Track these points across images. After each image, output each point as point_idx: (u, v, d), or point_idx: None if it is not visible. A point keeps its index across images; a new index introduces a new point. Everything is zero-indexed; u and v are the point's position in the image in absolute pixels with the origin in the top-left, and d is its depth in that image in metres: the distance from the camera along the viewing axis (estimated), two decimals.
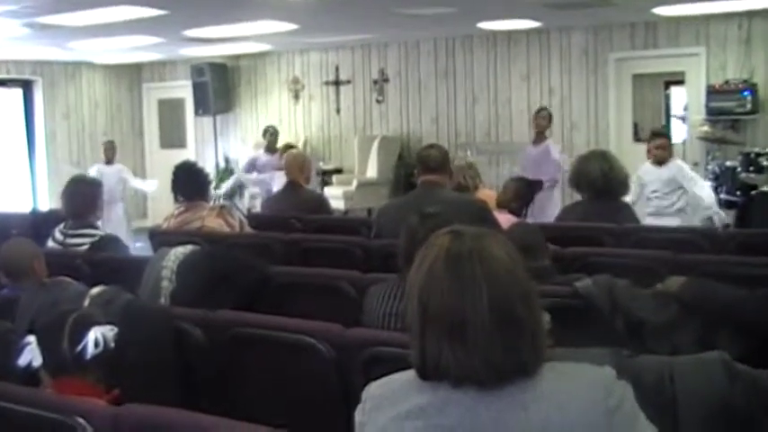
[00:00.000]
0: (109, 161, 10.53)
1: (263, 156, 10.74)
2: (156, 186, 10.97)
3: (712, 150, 9.16)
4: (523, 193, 5.90)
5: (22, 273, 3.90)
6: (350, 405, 1.83)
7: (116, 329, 2.57)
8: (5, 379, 2.51)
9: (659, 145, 6.82)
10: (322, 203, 6.68)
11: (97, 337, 2.49)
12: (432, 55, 11.60)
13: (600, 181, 5.26)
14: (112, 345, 2.53)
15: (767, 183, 7.88)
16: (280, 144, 10.78)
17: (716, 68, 9.65)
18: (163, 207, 9.97)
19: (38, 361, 2.48)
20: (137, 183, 11.01)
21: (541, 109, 9.12)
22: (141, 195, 14.05)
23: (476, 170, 6.14)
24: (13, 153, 13.03)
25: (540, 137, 8.81)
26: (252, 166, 10.71)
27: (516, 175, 6.68)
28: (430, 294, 1.68)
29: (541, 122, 8.84)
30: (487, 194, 5.87)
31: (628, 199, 6.41)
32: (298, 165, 6.58)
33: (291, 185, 6.53)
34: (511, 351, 1.63)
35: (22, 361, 2.48)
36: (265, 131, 11.11)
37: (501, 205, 5.68)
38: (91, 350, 2.47)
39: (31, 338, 2.50)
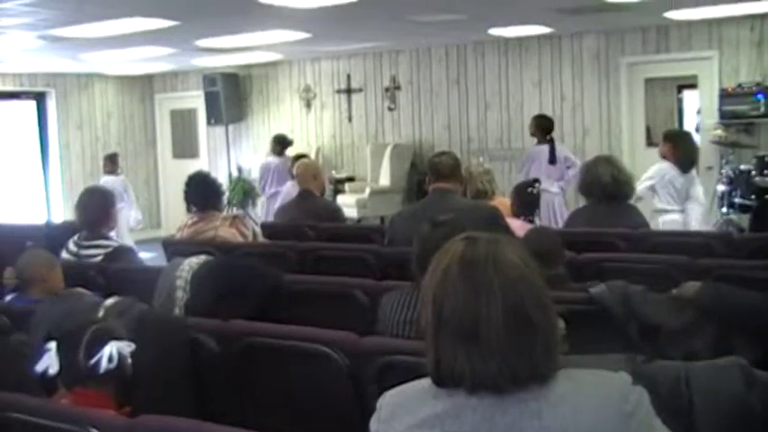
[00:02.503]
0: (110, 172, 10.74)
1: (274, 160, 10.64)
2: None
3: (726, 154, 9.11)
4: (522, 196, 5.88)
5: (33, 282, 3.93)
6: (365, 414, 1.82)
7: (133, 345, 2.57)
8: (20, 390, 2.51)
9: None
10: (335, 213, 6.66)
11: (112, 352, 2.49)
12: (443, 62, 11.60)
13: (611, 185, 5.25)
14: (129, 361, 2.53)
15: None
16: (290, 152, 10.69)
17: (728, 72, 9.60)
18: (176, 217, 10.00)
19: (54, 368, 2.47)
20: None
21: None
22: (155, 205, 14.15)
23: (492, 176, 6.12)
24: (28, 165, 13.10)
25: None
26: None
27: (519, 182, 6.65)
28: (444, 300, 1.68)
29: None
30: (502, 202, 5.85)
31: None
32: (310, 174, 6.58)
33: (304, 195, 6.52)
34: (526, 356, 1.63)
35: (40, 367, 2.48)
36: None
37: (514, 213, 5.68)
38: (104, 365, 2.46)
39: (52, 345, 2.50)
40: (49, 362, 2.48)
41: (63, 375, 2.49)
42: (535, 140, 9.05)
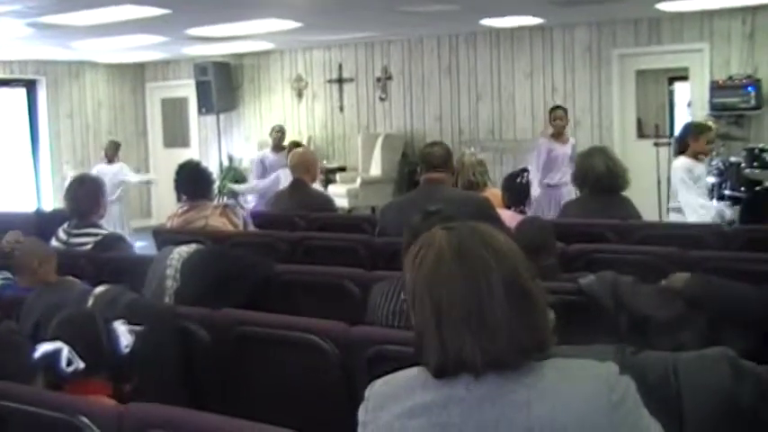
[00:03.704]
0: (110, 161, 10.63)
1: (270, 155, 10.58)
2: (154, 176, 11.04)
3: (716, 146, 9.12)
4: (512, 186, 5.88)
5: (24, 271, 3.92)
6: (354, 403, 1.83)
7: (129, 325, 2.57)
8: (10, 378, 2.51)
9: (711, 139, 6.54)
10: (327, 203, 6.66)
11: (126, 329, 2.50)
12: (435, 52, 11.60)
13: (606, 176, 5.26)
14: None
15: None
16: (286, 142, 10.68)
17: (720, 64, 9.63)
18: (167, 206, 9.98)
19: (81, 364, 2.44)
20: (138, 177, 11.02)
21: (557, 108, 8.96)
22: (145, 194, 14.10)
23: (485, 167, 6.08)
24: (17, 153, 13.05)
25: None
26: (263, 168, 10.38)
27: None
28: (442, 289, 1.68)
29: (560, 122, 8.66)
30: (494, 193, 5.84)
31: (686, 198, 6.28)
32: (304, 163, 6.56)
33: (297, 184, 6.51)
34: (530, 327, 1.65)
35: (68, 368, 2.43)
36: (272, 130, 10.96)
37: (505, 204, 5.68)
38: (129, 341, 2.47)
39: (59, 344, 2.46)
40: (75, 363, 2.44)
41: (88, 369, 2.46)
42: (550, 130, 8.74)
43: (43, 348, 2.46)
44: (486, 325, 1.64)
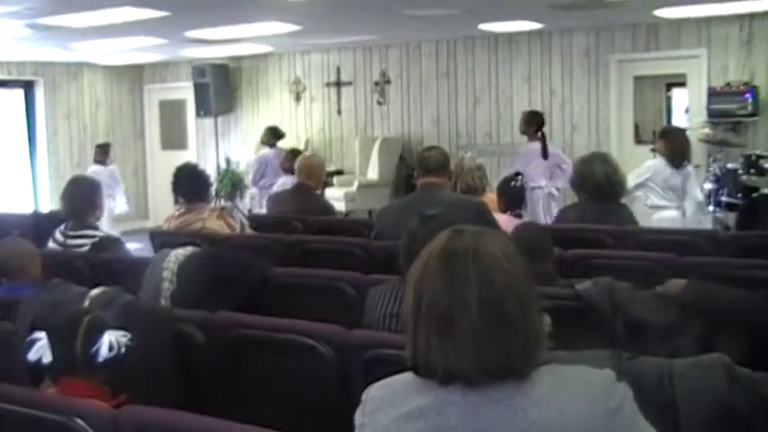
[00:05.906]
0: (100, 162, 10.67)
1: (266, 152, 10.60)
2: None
3: (713, 152, 9.15)
4: (506, 191, 5.88)
5: (17, 271, 3.92)
6: (350, 407, 1.83)
7: (129, 335, 2.56)
8: (6, 380, 2.51)
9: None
10: (326, 210, 6.64)
11: (111, 341, 2.49)
12: (433, 56, 11.60)
13: (604, 183, 5.27)
14: (123, 350, 2.52)
15: None
16: (282, 144, 10.69)
17: (717, 70, 9.64)
18: (164, 208, 9.98)
19: (47, 358, 2.46)
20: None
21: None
22: (143, 196, 14.10)
23: (484, 172, 6.07)
24: (15, 154, 13.03)
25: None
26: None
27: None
28: (424, 290, 1.69)
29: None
30: (491, 198, 5.83)
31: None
32: (308, 168, 6.55)
33: (300, 188, 6.51)
34: (500, 351, 1.63)
35: (32, 356, 2.46)
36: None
37: (500, 208, 5.68)
38: (104, 354, 2.46)
39: (41, 335, 2.49)
40: (41, 352, 2.47)
41: (56, 365, 2.47)
42: (525, 138, 8.76)
43: (29, 337, 2.48)
44: (455, 336, 1.64)
